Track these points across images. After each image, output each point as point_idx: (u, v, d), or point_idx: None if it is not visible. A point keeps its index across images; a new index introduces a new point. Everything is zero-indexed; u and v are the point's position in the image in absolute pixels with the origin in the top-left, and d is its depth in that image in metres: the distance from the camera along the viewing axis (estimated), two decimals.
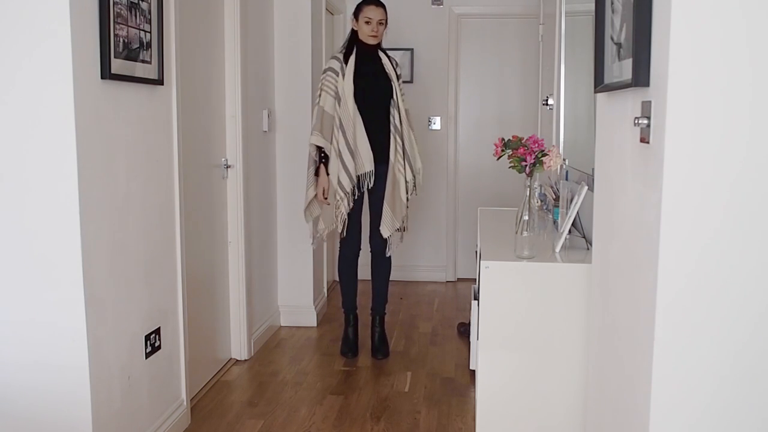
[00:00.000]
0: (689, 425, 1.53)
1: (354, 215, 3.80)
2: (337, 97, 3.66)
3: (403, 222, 3.77)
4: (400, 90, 3.77)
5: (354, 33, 3.78)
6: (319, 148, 3.71)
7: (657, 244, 1.49)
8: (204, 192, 3.41)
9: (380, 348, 3.92)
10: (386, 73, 3.75)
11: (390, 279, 4.02)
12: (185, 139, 2.96)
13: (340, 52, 3.77)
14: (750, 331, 1.48)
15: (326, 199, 3.72)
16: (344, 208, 3.67)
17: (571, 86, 3.69)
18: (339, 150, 3.64)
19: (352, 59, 3.69)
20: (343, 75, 3.67)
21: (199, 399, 3.28)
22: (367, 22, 3.68)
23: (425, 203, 5.68)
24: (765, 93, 1.42)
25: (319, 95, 3.72)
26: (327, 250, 4.99)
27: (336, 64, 3.71)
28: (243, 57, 3.68)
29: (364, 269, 4.08)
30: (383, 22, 3.71)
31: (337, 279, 5.61)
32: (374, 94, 3.71)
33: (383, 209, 3.73)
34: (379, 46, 3.78)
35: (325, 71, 3.75)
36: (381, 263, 3.95)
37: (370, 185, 3.71)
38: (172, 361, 2.86)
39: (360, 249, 3.93)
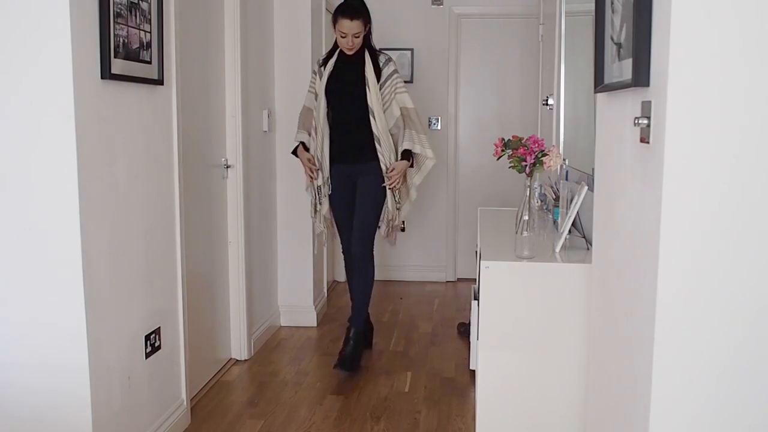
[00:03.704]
0: (689, 424, 1.53)
1: (345, 215, 3.80)
2: (316, 96, 3.74)
3: (396, 220, 3.76)
4: (383, 91, 3.63)
5: None
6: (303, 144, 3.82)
7: (657, 244, 1.49)
8: (204, 192, 3.41)
9: (347, 361, 3.62)
10: (365, 76, 3.61)
11: (371, 291, 3.81)
12: (185, 139, 2.96)
13: (324, 54, 3.82)
14: (749, 330, 1.48)
15: (314, 169, 3.74)
16: (321, 180, 3.74)
17: (571, 86, 3.69)
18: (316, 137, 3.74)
19: (331, 62, 3.68)
20: (320, 77, 3.70)
21: (199, 399, 3.28)
22: (342, 36, 3.58)
23: (425, 203, 5.68)
24: (764, 92, 1.42)
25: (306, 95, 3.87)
26: (327, 251, 4.99)
27: (317, 67, 3.78)
28: (243, 57, 3.68)
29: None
30: (359, 35, 3.57)
31: (337, 279, 5.62)
32: (349, 99, 3.65)
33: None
34: (366, 48, 3.66)
35: (312, 73, 3.87)
36: (360, 271, 3.77)
37: (327, 192, 3.76)
38: (172, 361, 2.86)
39: None
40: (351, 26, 3.54)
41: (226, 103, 3.65)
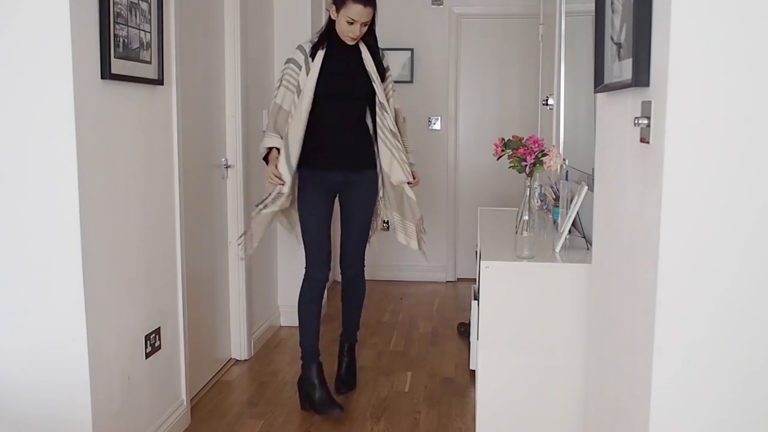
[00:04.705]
0: (689, 425, 1.53)
1: (320, 233, 3.20)
2: (297, 93, 3.11)
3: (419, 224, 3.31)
4: (385, 87, 3.23)
5: (331, 22, 3.14)
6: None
7: (657, 244, 1.49)
8: (204, 192, 3.41)
9: (347, 380, 3.44)
10: (365, 70, 3.17)
11: (363, 305, 3.53)
12: (185, 139, 2.96)
13: (311, 41, 3.17)
14: (750, 331, 1.48)
15: (278, 178, 3.09)
16: (286, 190, 3.10)
17: (571, 86, 3.69)
18: (288, 144, 3.09)
19: (321, 54, 3.11)
20: (307, 71, 3.10)
21: (199, 399, 3.28)
22: (349, 22, 3.05)
23: (425, 203, 5.67)
24: (764, 92, 1.42)
25: (278, 88, 3.16)
26: None
27: (300, 57, 3.13)
28: (243, 57, 3.68)
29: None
30: (367, 24, 3.09)
31: (337, 280, 4.82)
32: (348, 96, 3.18)
33: (396, 222, 3.28)
34: (366, 36, 3.19)
35: (287, 62, 3.16)
36: (355, 289, 3.43)
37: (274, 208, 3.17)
38: (172, 361, 2.86)
39: (329, 275, 3.35)
40: (363, 13, 3.03)
41: (226, 103, 3.65)
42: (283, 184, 3.08)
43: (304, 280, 3.24)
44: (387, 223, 3.41)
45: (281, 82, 3.14)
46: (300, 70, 3.12)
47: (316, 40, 3.16)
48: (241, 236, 3.38)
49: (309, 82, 3.08)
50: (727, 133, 1.44)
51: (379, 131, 3.20)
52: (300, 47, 3.16)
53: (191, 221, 3.14)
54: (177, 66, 2.80)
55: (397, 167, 3.19)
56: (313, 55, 3.11)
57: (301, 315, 3.26)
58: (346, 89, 3.17)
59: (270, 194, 3.15)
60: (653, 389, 1.53)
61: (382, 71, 3.22)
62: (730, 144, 1.44)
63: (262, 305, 4.14)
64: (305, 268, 3.24)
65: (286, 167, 3.07)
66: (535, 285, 2.53)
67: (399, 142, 3.21)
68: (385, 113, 3.18)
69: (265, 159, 3.17)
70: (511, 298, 2.55)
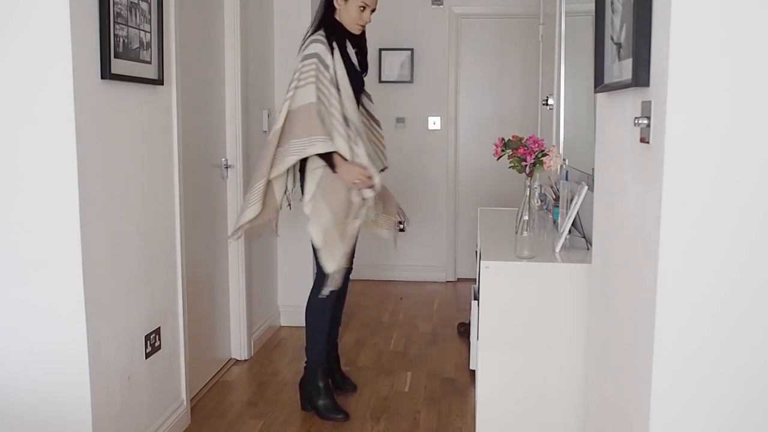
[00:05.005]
0: (689, 425, 1.53)
1: None
2: (338, 91, 2.93)
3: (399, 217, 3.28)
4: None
5: (330, 9, 3.04)
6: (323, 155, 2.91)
7: (657, 244, 1.49)
8: (204, 192, 3.41)
9: (345, 380, 3.41)
10: (353, 63, 3.08)
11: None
12: (185, 139, 2.96)
13: (320, 33, 2.99)
14: (751, 331, 1.48)
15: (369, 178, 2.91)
16: (378, 189, 2.97)
17: (571, 86, 3.69)
18: (365, 143, 2.99)
19: (335, 47, 2.98)
20: (333, 67, 2.95)
21: (199, 399, 3.28)
22: (362, 8, 2.98)
23: (425, 203, 5.68)
24: (765, 92, 1.42)
25: (304, 86, 2.89)
26: None
27: (325, 52, 2.93)
28: (243, 57, 3.68)
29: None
30: (375, 10, 3.07)
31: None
32: (355, 89, 3.06)
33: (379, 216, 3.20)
34: None
35: (310, 57, 2.92)
36: (345, 289, 3.25)
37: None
38: (172, 361, 2.86)
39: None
40: None
41: (226, 103, 3.65)
42: (373, 186, 2.93)
43: (315, 287, 3.08)
44: (402, 223, 3.30)
45: (308, 80, 2.88)
46: (329, 69, 2.92)
47: (322, 32, 2.98)
48: (343, 259, 2.98)
49: (342, 78, 2.95)
50: (728, 133, 1.44)
51: (365, 120, 3.23)
52: (319, 40, 2.95)
53: (191, 221, 3.14)
54: (177, 66, 2.80)
55: (378, 156, 3.24)
56: (331, 49, 2.96)
57: (313, 323, 3.12)
58: (355, 83, 3.05)
59: (365, 202, 2.95)
60: (653, 389, 1.53)
61: (365, 66, 3.18)
62: (730, 143, 1.44)
63: (262, 305, 4.14)
64: (318, 275, 3.06)
65: (373, 168, 2.94)
66: (535, 285, 2.53)
67: (380, 128, 3.30)
68: (370, 103, 3.26)
69: (330, 165, 2.89)
70: (511, 298, 2.55)
